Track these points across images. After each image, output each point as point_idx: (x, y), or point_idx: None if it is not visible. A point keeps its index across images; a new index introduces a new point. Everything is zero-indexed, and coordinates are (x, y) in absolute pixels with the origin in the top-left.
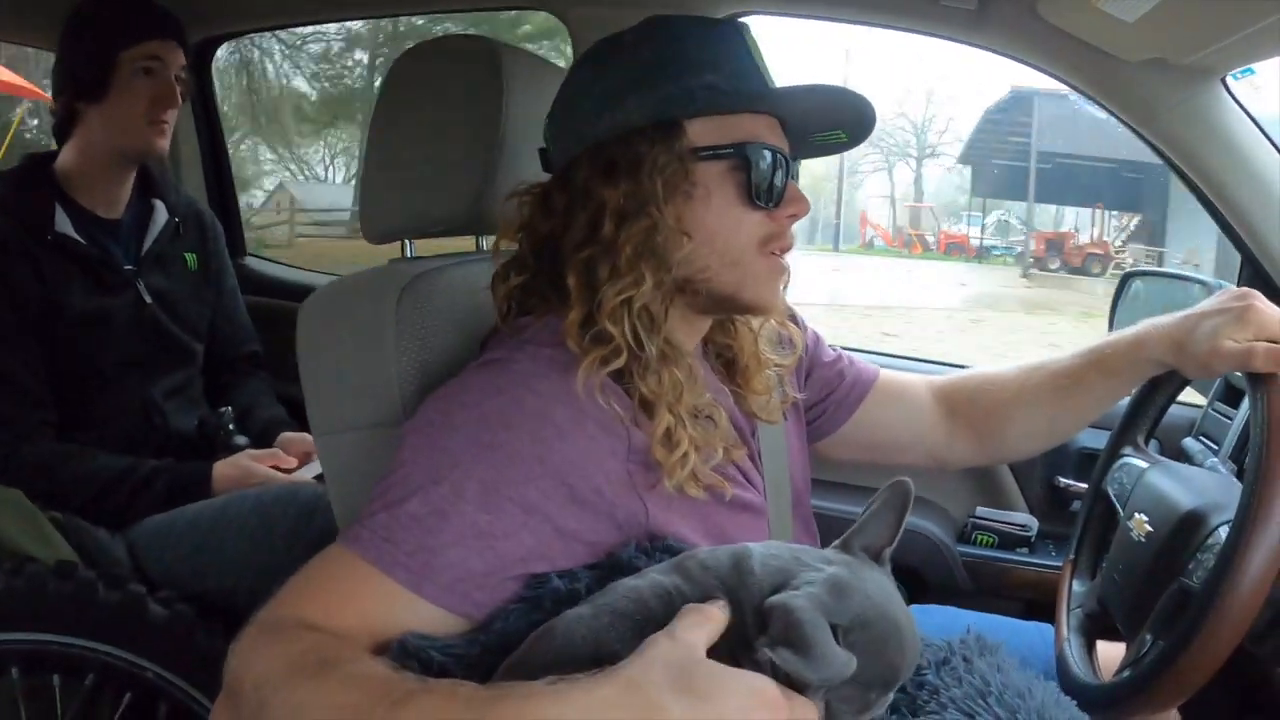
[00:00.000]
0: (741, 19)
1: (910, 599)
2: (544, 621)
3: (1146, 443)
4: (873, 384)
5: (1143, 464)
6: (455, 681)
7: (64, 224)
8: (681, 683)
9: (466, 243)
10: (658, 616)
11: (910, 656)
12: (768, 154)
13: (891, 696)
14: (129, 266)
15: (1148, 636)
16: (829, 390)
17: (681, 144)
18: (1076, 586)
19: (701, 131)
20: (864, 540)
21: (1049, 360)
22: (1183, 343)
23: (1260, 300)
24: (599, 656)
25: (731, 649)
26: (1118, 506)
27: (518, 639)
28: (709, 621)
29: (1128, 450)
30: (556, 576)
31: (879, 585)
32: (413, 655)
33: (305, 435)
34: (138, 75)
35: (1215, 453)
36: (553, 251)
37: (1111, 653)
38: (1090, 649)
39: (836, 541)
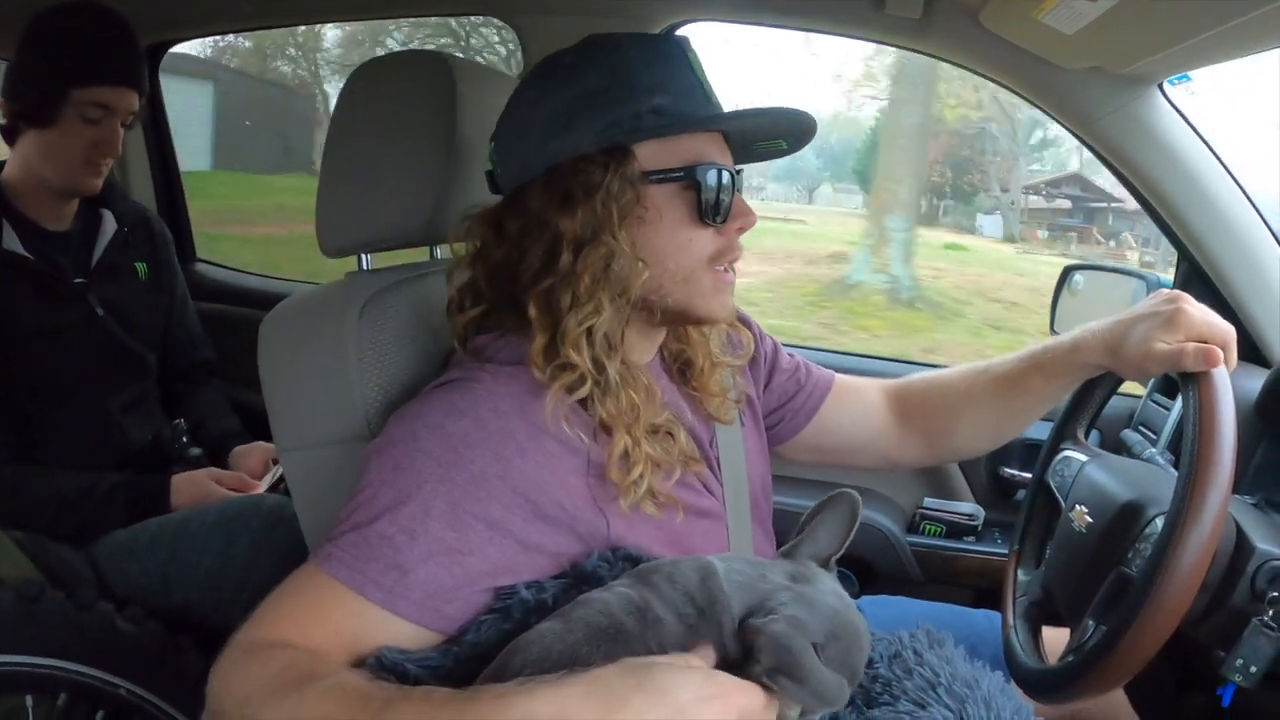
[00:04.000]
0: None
1: (862, 589)
2: (513, 631)
3: (1086, 436)
4: (829, 390)
5: (1082, 457)
6: (430, 687)
7: (11, 240)
8: (641, 681)
9: (421, 249)
10: (630, 629)
11: (867, 654)
12: (715, 173)
13: (850, 692)
14: (79, 279)
15: (1090, 622)
16: (788, 397)
17: (632, 169)
18: (1021, 576)
19: (650, 154)
20: (812, 549)
21: (993, 363)
22: (1117, 347)
23: (1188, 303)
24: (573, 669)
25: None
26: (1059, 498)
27: (489, 649)
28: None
29: (1067, 444)
30: (524, 588)
31: (836, 595)
32: (389, 669)
33: (260, 445)
34: (82, 119)
35: (1154, 443)
36: (508, 279)
37: (1056, 637)
38: (1036, 635)
39: (785, 548)
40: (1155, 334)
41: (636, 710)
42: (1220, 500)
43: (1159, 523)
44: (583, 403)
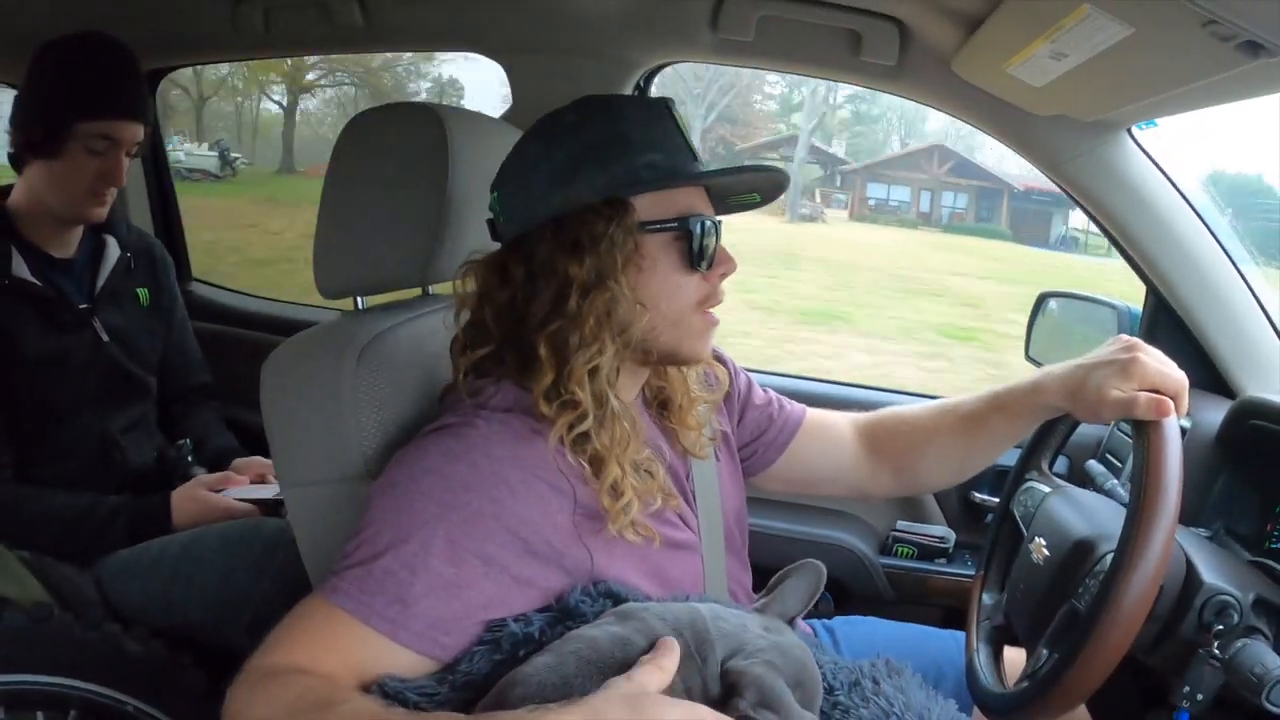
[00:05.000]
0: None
1: (835, 609)
2: (504, 661)
3: (1051, 466)
4: (800, 425)
5: (1045, 488)
6: (442, 713)
7: (20, 268)
8: (632, 708)
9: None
10: (618, 660)
11: (820, 702)
12: (702, 224)
13: None
14: (84, 305)
15: (1043, 650)
16: (760, 431)
17: (631, 219)
18: (986, 599)
19: (645, 207)
20: (780, 608)
21: (959, 401)
22: (1075, 391)
23: (1144, 353)
24: (569, 699)
25: (687, 691)
26: (1022, 527)
27: (481, 678)
28: (660, 671)
29: (1032, 474)
30: (513, 621)
31: (802, 648)
32: (391, 697)
33: (258, 459)
34: (88, 151)
35: (1117, 473)
36: (514, 320)
37: (1019, 659)
38: (997, 657)
39: (758, 604)
40: (1111, 381)
41: None
42: (1162, 546)
43: (1108, 561)
44: (574, 445)
